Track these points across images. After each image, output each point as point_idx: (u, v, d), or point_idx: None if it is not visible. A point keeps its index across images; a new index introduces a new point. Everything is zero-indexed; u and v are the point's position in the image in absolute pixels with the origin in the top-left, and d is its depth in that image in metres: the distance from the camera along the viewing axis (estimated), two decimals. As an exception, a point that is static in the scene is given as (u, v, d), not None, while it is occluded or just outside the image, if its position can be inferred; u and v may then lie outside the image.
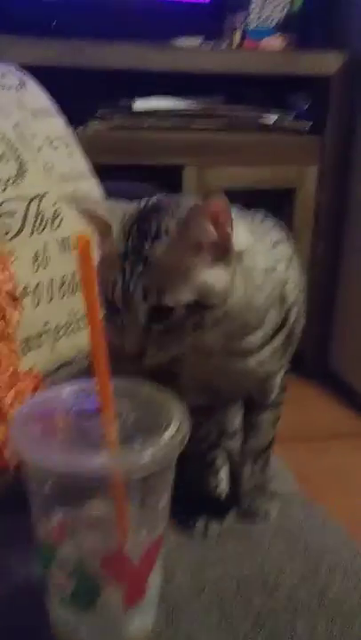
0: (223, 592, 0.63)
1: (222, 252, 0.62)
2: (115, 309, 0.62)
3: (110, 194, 1.26)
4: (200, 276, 0.61)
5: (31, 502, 0.56)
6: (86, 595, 0.54)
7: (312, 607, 0.63)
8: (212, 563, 0.67)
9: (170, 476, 0.55)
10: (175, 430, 0.53)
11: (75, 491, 0.53)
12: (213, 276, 0.61)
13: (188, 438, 0.53)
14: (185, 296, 0.60)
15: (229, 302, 0.62)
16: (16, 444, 0.53)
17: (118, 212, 0.64)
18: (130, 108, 1.97)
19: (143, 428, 0.54)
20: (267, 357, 0.70)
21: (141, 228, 0.62)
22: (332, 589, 0.64)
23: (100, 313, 0.56)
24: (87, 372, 0.96)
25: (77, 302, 1.12)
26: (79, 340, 1.12)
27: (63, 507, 0.55)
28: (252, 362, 0.69)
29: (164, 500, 0.56)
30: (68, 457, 0.51)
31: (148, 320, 0.61)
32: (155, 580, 0.57)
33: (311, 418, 2.10)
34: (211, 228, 0.60)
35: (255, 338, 0.68)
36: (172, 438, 0.52)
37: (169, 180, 1.90)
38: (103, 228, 0.64)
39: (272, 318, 0.68)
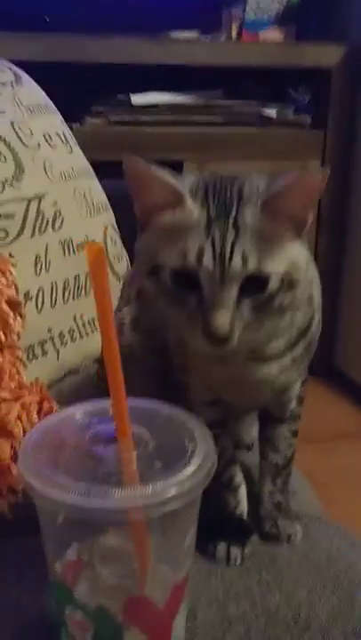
0: (251, 630, 0.58)
1: (301, 227, 0.59)
2: (192, 285, 0.57)
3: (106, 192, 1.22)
4: (289, 248, 0.58)
5: (43, 535, 0.51)
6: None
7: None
8: (237, 595, 0.62)
9: (195, 511, 0.50)
10: (201, 460, 0.48)
11: (90, 526, 0.48)
12: (298, 250, 0.59)
13: (215, 468, 0.48)
14: (279, 265, 0.57)
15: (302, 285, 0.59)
16: (25, 477, 0.48)
17: (186, 181, 0.60)
18: (128, 102, 1.91)
19: (165, 455, 0.49)
20: (288, 365, 0.66)
21: (222, 196, 0.58)
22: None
23: (114, 328, 0.51)
24: (94, 380, 0.93)
25: (82, 307, 1.07)
26: (85, 347, 1.07)
27: (77, 542, 0.50)
28: (274, 368, 0.66)
29: (189, 538, 0.50)
30: (83, 491, 0.45)
31: (241, 293, 0.56)
32: (180, 622, 0.52)
33: (317, 417, 2.04)
34: (304, 202, 0.58)
35: (279, 342, 0.64)
36: (198, 469, 0.47)
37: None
38: (172, 198, 0.59)
39: (299, 319, 0.65)
